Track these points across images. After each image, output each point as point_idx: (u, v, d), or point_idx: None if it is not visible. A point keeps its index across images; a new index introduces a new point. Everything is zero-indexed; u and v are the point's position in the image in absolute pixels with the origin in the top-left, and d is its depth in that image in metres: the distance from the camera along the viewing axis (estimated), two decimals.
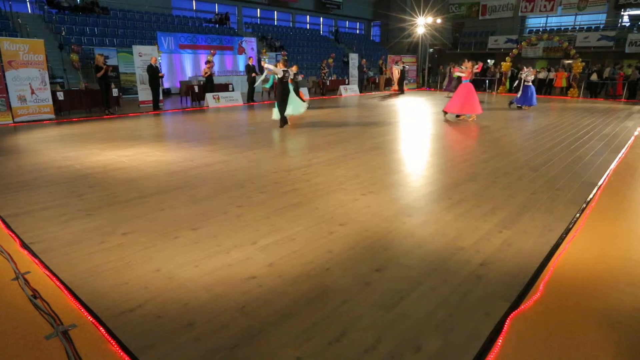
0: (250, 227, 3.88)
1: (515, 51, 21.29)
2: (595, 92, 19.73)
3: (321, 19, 32.77)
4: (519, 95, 14.04)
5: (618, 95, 18.91)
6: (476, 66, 12.03)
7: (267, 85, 11.97)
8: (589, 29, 26.68)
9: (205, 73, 14.77)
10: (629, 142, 8.35)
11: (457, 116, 11.32)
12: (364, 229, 3.84)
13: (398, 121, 11.26)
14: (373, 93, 21.37)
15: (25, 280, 2.92)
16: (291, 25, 30.48)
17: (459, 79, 11.49)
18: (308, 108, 11.02)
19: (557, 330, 2.42)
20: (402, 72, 20.61)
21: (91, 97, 12.55)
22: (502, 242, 3.59)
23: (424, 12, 25.01)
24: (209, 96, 14.46)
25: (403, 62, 21.14)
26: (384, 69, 23.28)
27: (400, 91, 20.72)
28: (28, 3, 19.08)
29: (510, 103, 14.73)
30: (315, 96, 19.25)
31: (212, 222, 3.99)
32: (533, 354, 2.23)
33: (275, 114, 10.01)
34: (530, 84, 13.96)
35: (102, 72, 11.80)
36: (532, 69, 14.70)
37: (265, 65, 9.99)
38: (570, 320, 2.52)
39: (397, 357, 2.19)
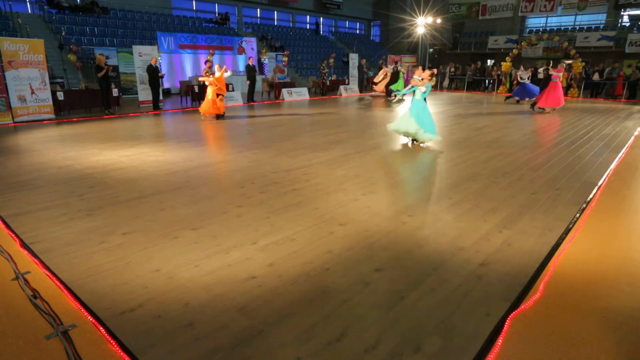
0: (250, 227, 3.88)
1: (515, 51, 21.28)
2: (595, 92, 19.76)
3: (321, 19, 32.75)
4: (514, 90, 16.37)
5: (618, 95, 18.92)
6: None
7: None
8: (589, 29, 26.67)
9: (207, 73, 14.74)
10: (629, 142, 8.35)
11: (542, 109, 13.33)
12: (364, 229, 3.84)
13: None
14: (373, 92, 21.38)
15: (25, 280, 2.92)
16: (291, 25, 30.47)
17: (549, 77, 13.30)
18: (309, 108, 10.71)
19: (557, 330, 2.42)
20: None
21: (91, 97, 12.54)
22: (502, 242, 3.59)
23: (424, 12, 25.03)
24: None
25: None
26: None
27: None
28: (28, 3, 19.07)
29: (506, 99, 17.01)
30: (315, 96, 19.24)
31: (212, 222, 3.99)
32: (533, 354, 2.23)
33: (421, 136, 7.68)
34: (526, 80, 15.80)
35: (103, 72, 11.78)
36: (530, 69, 16.82)
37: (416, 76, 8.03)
38: (570, 320, 2.52)
39: (397, 357, 2.19)
